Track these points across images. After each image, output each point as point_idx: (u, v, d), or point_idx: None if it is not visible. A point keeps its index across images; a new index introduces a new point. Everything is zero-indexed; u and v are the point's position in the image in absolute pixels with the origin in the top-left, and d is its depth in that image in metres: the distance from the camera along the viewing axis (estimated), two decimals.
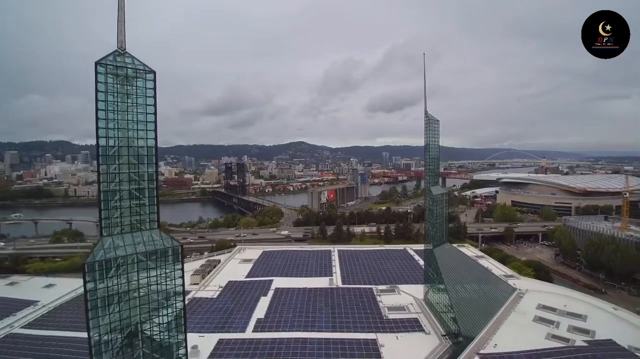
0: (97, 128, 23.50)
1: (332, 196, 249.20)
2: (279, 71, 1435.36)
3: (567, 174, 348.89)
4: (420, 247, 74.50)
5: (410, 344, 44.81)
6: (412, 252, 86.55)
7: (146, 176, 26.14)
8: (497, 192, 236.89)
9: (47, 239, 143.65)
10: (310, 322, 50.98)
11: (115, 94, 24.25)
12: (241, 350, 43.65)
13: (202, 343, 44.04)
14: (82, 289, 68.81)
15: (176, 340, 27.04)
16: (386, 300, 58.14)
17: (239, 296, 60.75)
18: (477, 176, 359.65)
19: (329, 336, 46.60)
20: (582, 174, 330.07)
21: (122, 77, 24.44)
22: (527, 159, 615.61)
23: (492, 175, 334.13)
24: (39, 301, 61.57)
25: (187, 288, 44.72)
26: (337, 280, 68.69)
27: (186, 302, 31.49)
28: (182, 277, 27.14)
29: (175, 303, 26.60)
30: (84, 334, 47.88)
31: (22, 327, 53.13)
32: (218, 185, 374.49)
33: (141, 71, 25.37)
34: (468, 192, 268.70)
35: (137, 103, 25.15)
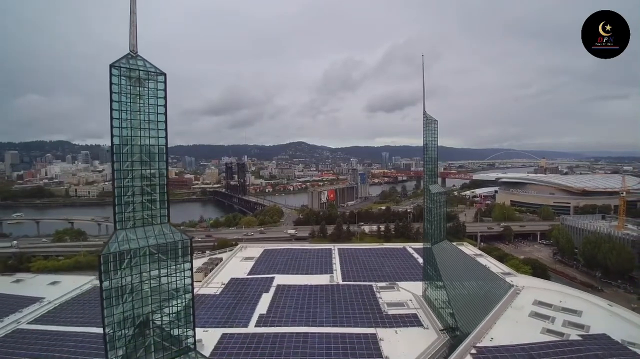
0: (112, 127, 24.73)
1: (332, 195, 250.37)
2: (279, 71, 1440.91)
3: (566, 174, 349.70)
4: (420, 245, 75.56)
5: (409, 338, 45.99)
6: (411, 251, 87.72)
7: (157, 173, 27.36)
8: (496, 192, 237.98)
9: (49, 238, 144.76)
10: (312, 317, 52.15)
11: (128, 95, 25.54)
12: (244, 344, 44.82)
13: (206, 337, 45.13)
14: (86, 286, 70.31)
15: (185, 329, 28.34)
16: (386, 296, 59.29)
17: (241, 293, 61.91)
18: (477, 176, 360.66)
19: (330, 331, 47.77)
20: (581, 174, 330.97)
21: (135, 79, 25.71)
22: (527, 159, 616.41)
23: (492, 175, 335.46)
24: (44, 298, 62.64)
25: None
26: (337, 277, 69.86)
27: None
28: (191, 269, 28.41)
29: (185, 294, 27.88)
30: (90, 329, 49.70)
31: (28, 323, 54.25)
32: (218, 185, 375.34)
33: (152, 73, 26.60)
34: (467, 192, 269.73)
35: (148, 103, 26.43)
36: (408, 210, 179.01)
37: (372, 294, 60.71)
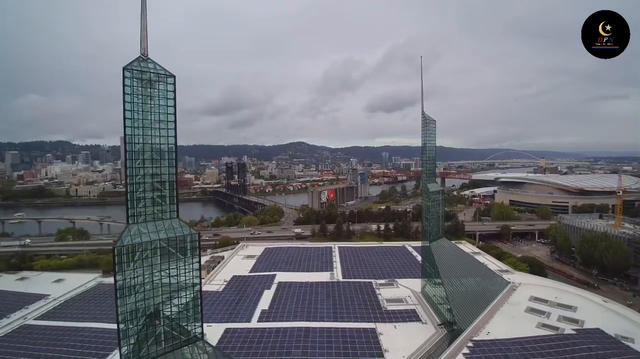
0: (125, 127, 26.00)
1: (332, 195, 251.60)
2: (279, 71, 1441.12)
3: (565, 174, 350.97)
4: (419, 244, 76.35)
5: (408, 332, 47.19)
6: (410, 249, 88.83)
7: (167, 171, 28.65)
8: (495, 191, 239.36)
9: (51, 237, 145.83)
10: (313, 313, 53.33)
11: (140, 97, 26.80)
12: (247, 338, 46.05)
13: (209, 332, 45.96)
14: (90, 284, 71.58)
15: (193, 320, 29.63)
16: (385, 293, 60.48)
17: (243, 289, 63.06)
18: (476, 176, 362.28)
19: (331, 326, 48.95)
20: (580, 174, 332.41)
21: (146, 81, 26.97)
22: (527, 159, 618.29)
23: (491, 175, 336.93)
24: (49, 295, 63.82)
25: None
26: (337, 275, 71.05)
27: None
28: (199, 262, 29.69)
29: (193, 286, 29.14)
30: (95, 325, 51.05)
31: (35, 319, 55.40)
32: (218, 185, 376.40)
33: (162, 75, 27.84)
34: (467, 192, 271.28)
35: (158, 104, 27.71)
36: (407, 210, 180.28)
37: (371, 290, 61.89)
